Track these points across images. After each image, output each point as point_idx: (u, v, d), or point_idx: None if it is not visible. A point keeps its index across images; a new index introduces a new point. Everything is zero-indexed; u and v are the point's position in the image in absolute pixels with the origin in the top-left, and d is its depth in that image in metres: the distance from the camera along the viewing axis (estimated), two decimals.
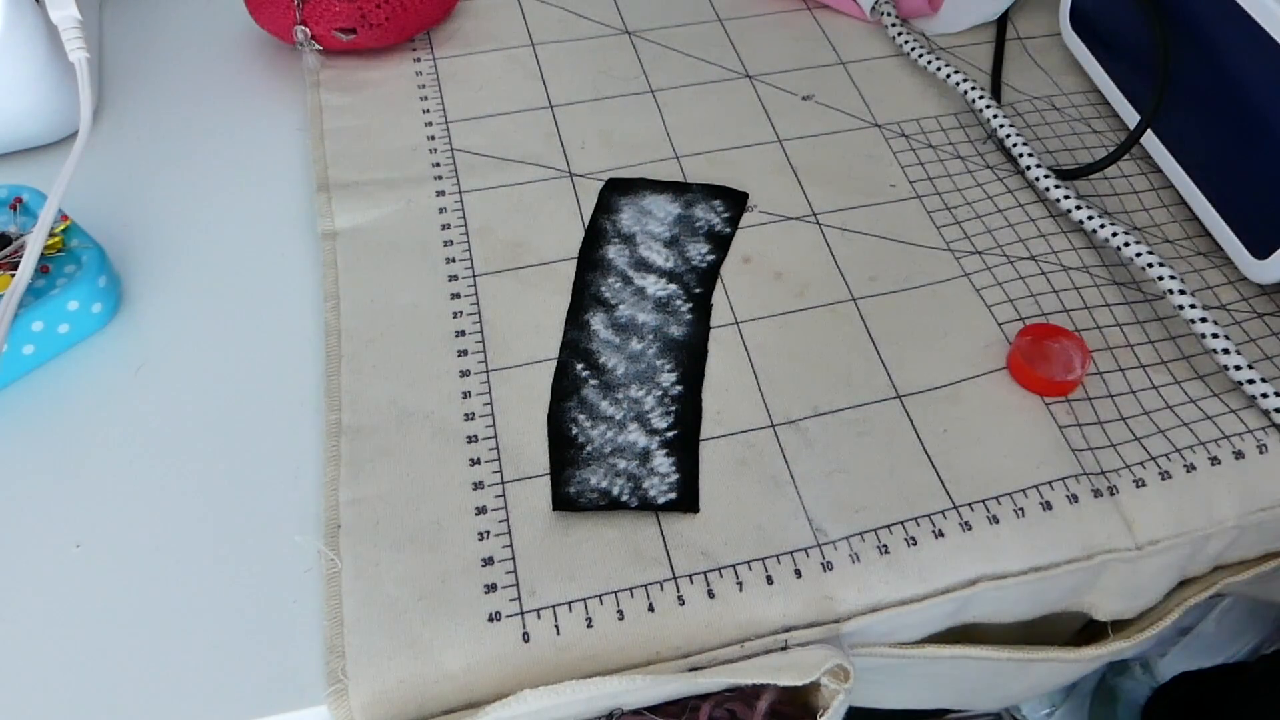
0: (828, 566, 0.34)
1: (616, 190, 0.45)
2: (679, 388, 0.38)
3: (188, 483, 0.35)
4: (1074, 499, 0.36)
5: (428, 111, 0.48)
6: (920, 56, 0.51)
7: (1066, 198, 0.44)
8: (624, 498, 0.35)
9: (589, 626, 0.32)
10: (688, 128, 0.49)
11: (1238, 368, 0.38)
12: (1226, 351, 0.38)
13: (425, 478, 0.35)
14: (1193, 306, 0.39)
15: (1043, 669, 0.39)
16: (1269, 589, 0.43)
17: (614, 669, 0.32)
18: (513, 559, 0.33)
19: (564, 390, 0.38)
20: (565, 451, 0.36)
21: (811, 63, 0.53)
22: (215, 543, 0.34)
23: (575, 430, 0.37)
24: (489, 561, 0.33)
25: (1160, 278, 0.40)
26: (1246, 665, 0.55)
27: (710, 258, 0.43)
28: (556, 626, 0.32)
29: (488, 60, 0.52)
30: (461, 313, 0.40)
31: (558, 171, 0.46)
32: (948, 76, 0.49)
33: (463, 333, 0.40)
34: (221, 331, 0.40)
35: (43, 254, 0.38)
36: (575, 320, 0.40)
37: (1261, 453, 0.37)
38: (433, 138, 0.47)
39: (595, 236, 0.43)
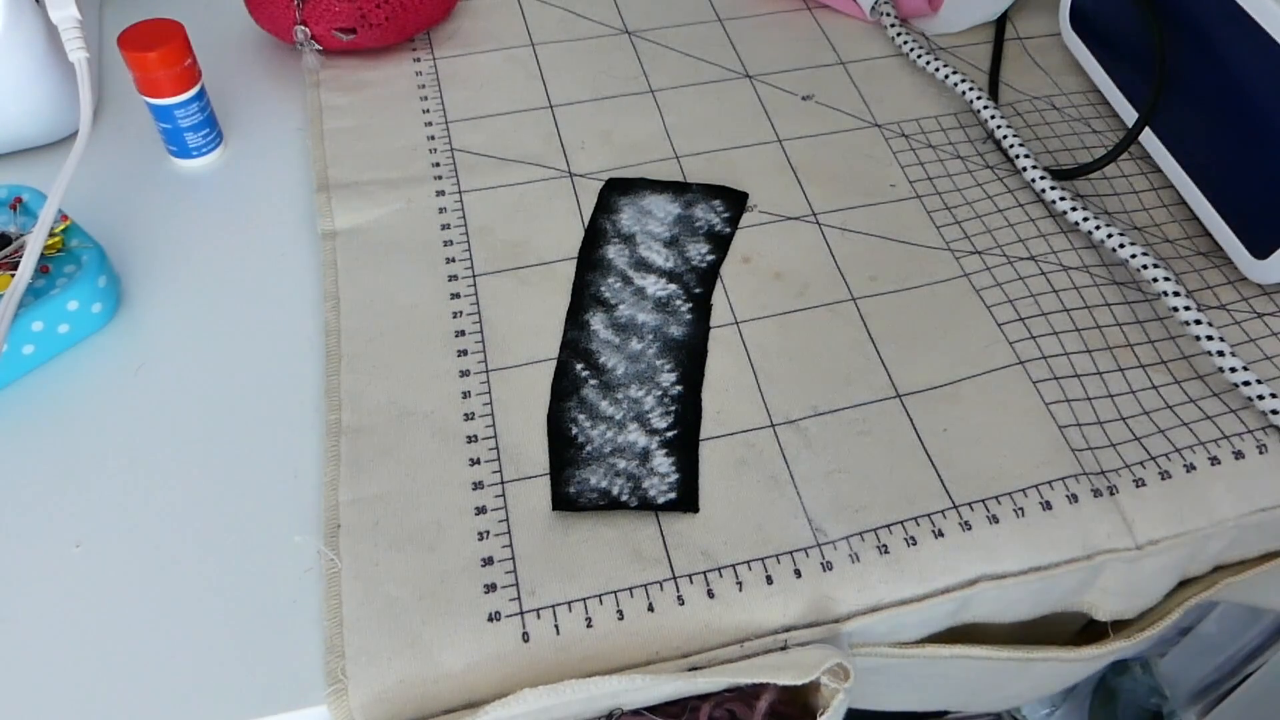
0: (827, 566, 0.34)
1: (616, 190, 0.45)
2: (679, 388, 0.38)
3: (187, 482, 0.35)
4: (1074, 499, 0.36)
5: (428, 111, 0.48)
6: (919, 57, 0.51)
7: (1063, 199, 0.44)
8: (624, 498, 0.35)
9: (589, 626, 0.32)
10: (688, 128, 0.49)
11: (1233, 370, 0.38)
12: (1222, 354, 0.38)
13: (425, 478, 0.35)
14: (1188, 309, 0.39)
15: (1043, 669, 0.39)
16: (1266, 595, 0.43)
17: (614, 669, 0.32)
18: (512, 559, 0.33)
19: (564, 390, 0.38)
20: (565, 451, 0.36)
21: (811, 63, 0.53)
22: (215, 542, 0.34)
23: (575, 430, 0.37)
24: (489, 561, 0.33)
25: (1155, 279, 0.40)
26: None
27: (710, 258, 0.43)
28: (556, 626, 0.32)
29: (488, 60, 0.52)
30: (461, 313, 0.40)
31: (558, 171, 0.46)
32: (946, 77, 0.49)
33: (463, 333, 0.40)
34: (221, 331, 0.40)
35: (43, 254, 0.38)
36: (575, 320, 0.40)
37: (1261, 453, 0.37)
38: (433, 138, 0.47)
39: (595, 236, 0.43)
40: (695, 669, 0.32)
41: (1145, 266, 0.41)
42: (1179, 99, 0.45)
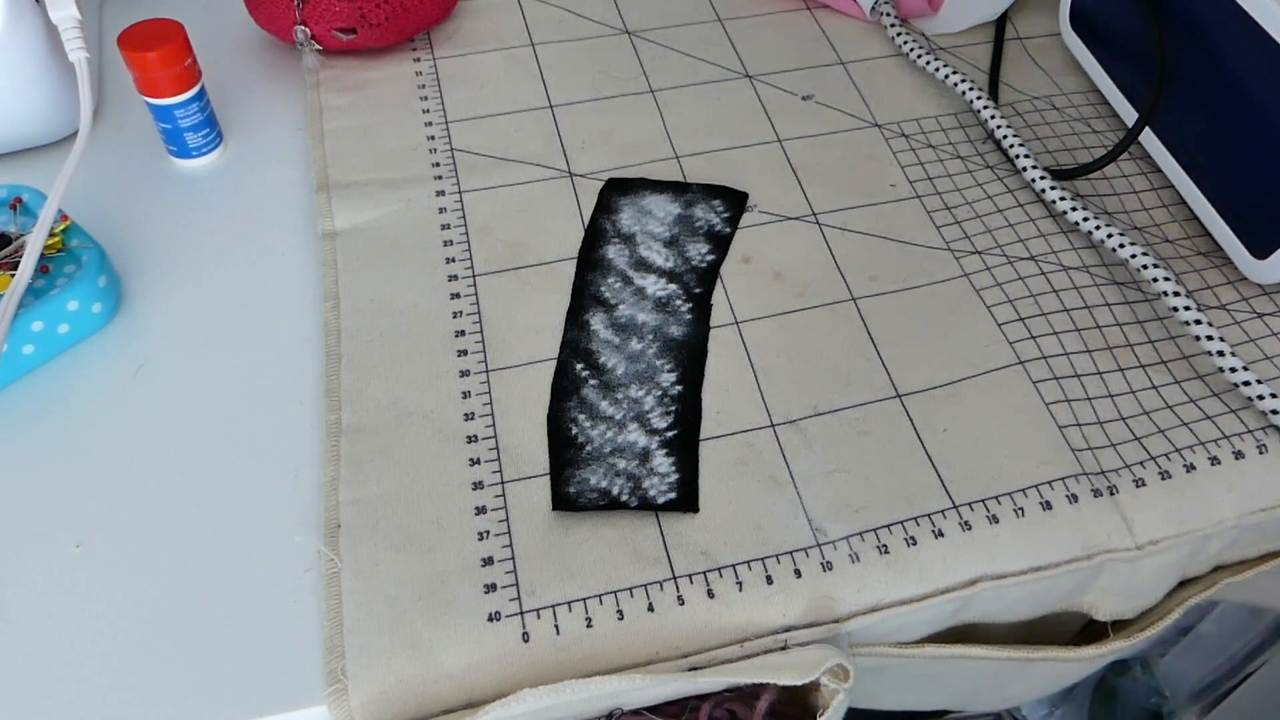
0: (827, 566, 0.34)
1: (616, 190, 0.45)
2: (679, 388, 0.38)
3: (187, 482, 0.35)
4: (1074, 499, 0.36)
5: (428, 111, 0.48)
6: (919, 57, 0.51)
7: (1063, 199, 0.44)
8: (624, 497, 0.35)
9: (589, 626, 0.32)
10: (688, 128, 0.49)
11: (1233, 370, 0.38)
12: (1222, 354, 0.38)
13: (425, 478, 0.35)
14: (1188, 309, 0.39)
15: (1043, 669, 0.39)
16: (1266, 595, 0.42)
17: (614, 669, 0.32)
18: (512, 559, 0.33)
19: (564, 390, 0.38)
20: (565, 451, 0.36)
21: (811, 63, 0.53)
22: (215, 543, 0.34)
23: (575, 430, 0.37)
24: (489, 561, 0.33)
25: (1155, 279, 0.40)
26: None
27: (710, 258, 0.43)
28: (556, 626, 0.32)
29: (488, 60, 0.52)
30: (461, 313, 0.40)
31: (558, 171, 0.46)
32: (946, 77, 0.49)
33: (463, 333, 0.40)
34: (221, 331, 0.40)
35: (43, 254, 0.38)
36: (575, 320, 0.40)
37: (1261, 453, 0.37)
38: (433, 138, 0.47)
39: (595, 236, 0.43)
40: (695, 669, 0.32)
41: (1145, 266, 0.41)
42: (1179, 99, 0.45)
